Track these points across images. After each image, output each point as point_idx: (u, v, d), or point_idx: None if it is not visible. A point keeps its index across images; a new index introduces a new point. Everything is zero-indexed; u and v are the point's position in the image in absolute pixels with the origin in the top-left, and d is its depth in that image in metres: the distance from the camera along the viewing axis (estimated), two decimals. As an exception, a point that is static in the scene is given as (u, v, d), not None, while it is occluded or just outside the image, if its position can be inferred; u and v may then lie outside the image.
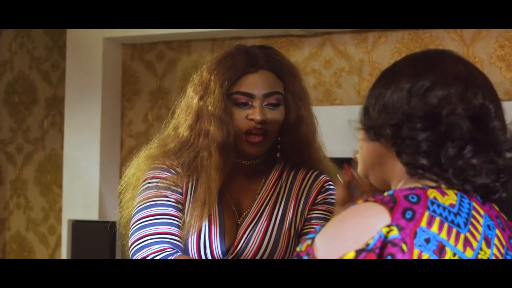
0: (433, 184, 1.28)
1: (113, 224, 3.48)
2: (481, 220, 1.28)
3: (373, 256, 1.18)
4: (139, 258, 1.79)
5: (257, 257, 1.86)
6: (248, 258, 1.85)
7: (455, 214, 1.25)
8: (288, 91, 1.90)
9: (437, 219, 1.22)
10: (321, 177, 1.95)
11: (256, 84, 1.85)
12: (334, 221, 1.26)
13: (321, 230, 1.26)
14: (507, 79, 3.33)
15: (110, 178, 4.06)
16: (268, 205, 1.91)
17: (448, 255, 1.21)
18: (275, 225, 1.89)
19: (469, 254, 1.23)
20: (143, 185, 1.89)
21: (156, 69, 4.11)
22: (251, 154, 1.88)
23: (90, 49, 4.05)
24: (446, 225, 1.23)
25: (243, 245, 1.86)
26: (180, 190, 1.89)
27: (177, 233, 1.83)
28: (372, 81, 1.40)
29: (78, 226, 3.71)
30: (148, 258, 1.77)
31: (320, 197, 1.93)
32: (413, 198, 1.24)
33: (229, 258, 1.86)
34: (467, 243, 1.23)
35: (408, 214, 1.21)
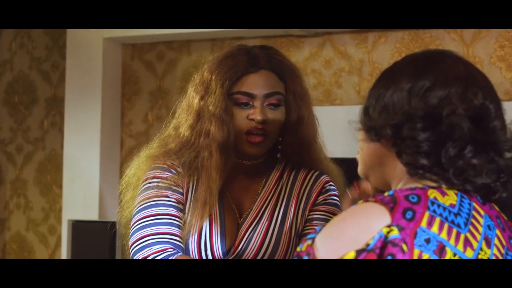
0: (433, 184, 1.28)
1: (113, 224, 3.49)
2: (481, 220, 1.28)
3: (373, 256, 1.18)
4: (139, 258, 1.79)
5: (258, 258, 1.85)
6: (249, 258, 1.85)
7: (455, 214, 1.25)
8: (289, 91, 1.89)
9: (438, 219, 1.23)
10: (322, 177, 1.95)
11: (257, 84, 1.85)
12: (335, 221, 1.26)
13: (322, 230, 1.26)
14: (507, 79, 3.33)
15: (110, 178, 4.06)
16: (269, 206, 1.91)
17: (449, 255, 1.21)
18: (276, 226, 1.89)
19: (469, 254, 1.23)
20: (144, 185, 1.88)
21: (156, 69, 4.11)
22: (251, 154, 1.88)
23: (90, 49, 4.05)
24: (446, 225, 1.23)
25: (244, 246, 1.86)
26: (181, 190, 1.89)
27: (177, 233, 1.83)
28: (372, 81, 1.40)
29: (78, 226, 3.71)
30: (149, 258, 1.77)
31: (321, 198, 1.93)
32: (413, 198, 1.24)
33: (230, 259, 1.85)
34: (467, 243, 1.23)
35: (409, 214, 1.22)
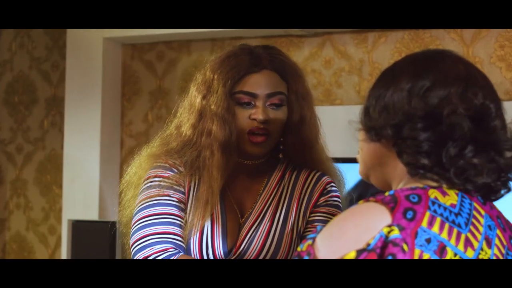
0: (434, 184, 1.28)
1: (113, 224, 3.49)
2: (482, 220, 1.28)
3: (374, 256, 1.18)
4: (140, 258, 1.78)
5: (260, 258, 1.85)
6: (251, 259, 1.85)
7: (456, 214, 1.25)
8: (291, 91, 1.89)
9: (438, 219, 1.23)
10: (324, 178, 1.94)
11: (259, 84, 1.85)
12: (335, 221, 1.26)
13: (322, 230, 1.26)
14: (507, 79, 3.33)
15: (110, 178, 4.06)
16: (271, 206, 1.91)
17: (449, 255, 1.21)
18: (277, 227, 1.88)
19: (470, 254, 1.23)
20: (145, 184, 1.88)
21: (156, 69, 4.11)
22: (253, 154, 1.87)
23: (90, 49, 4.05)
24: (447, 225, 1.23)
25: (246, 246, 1.85)
26: (183, 189, 1.88)
27: (179, 233, 1.83)
28: (372, 81, 1.40)
29: (78, 226, 3.71)
30: (150, 258, 1.77)
31: (322, 199, 1.92)
32: (414, 198, 1.24)
33: (231, 259, 1.85)
34: (468, 243, 1.23)
35: (409, 214, 1.22)
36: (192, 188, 1.89)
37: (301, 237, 1.89)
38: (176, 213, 1.85)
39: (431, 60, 1.35)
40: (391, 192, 1.26)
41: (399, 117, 1.29)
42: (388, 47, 3.56)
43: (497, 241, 1.28)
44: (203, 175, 1.86)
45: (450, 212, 1.25)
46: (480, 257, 1.24)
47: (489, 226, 1.29)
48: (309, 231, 1.88)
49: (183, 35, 3.90)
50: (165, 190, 1.86)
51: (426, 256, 1.19)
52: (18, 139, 4.45)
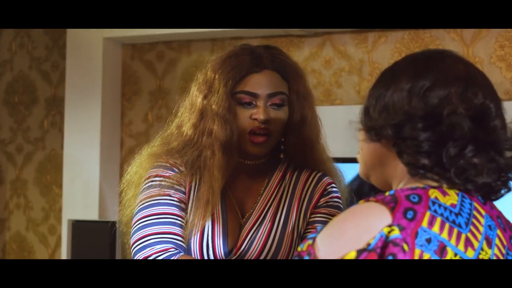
0: (434, 184, 1.28)
1: (113, 224, 3.49)
2: (482, 220, 1.28)
3: (374, 256, 1.18)
4: (141, 258, 1.78)
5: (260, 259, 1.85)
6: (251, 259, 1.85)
7: (456, 214, 1.25)
8: (293, 92, 1.89)
9: (438, 219, 1.23)
10: (324, 179, 1.94)
11: (260, 84, 1.85)
12: (335, 221, 1.26)
13: (322, 229, 1.26)
14: (507, 79, 3.33)
15: (110, 178, 4.06)
16: (272, 207, 1.90)
17: (449, 255, 1.21)
18: (278, 227, 1.88)
19: (470, 254, 1.23)
20: (146, 183, 1.88)
21: (156, 69, 4.11)
22: (254, 154, 1.87)
23: (90, 49, 4.05)
24: (447, 225, 1.23)
25: (246, 247, 1.85)
26: (183, 189, 1.88)
27: (180, 233, 1.82)
28: (372, 81, 1.40)
29: (78, 226, 3.71)
30: (150, 258, 1.77)
31: (322, 200, 1.92)
32: (414, 198, 1.24)
33: (232, 259, 1.85)
34: (468, 243, 1.23)
35: (409, 214, 1.22)
36: (193, 188, 1.89)
37: (302, 238, 1.89)
38: (177, 213, 1.84)
39: (431, 60, 1.35)
40: (392, 192, 1.26)
41: (399, 117, 1.29)
42: (388, 47, 3.56)
43: (497, 241, 1.28)
44: (204, 175, 1.86)
45: (451, 212, 1.25)
46: (481, 257, 1.24)
47: (490, 226, 1.29)
48: (310, 232, 1.87)
49: (183, 35, 3.90)
50: (165, 190, 1.85)
51: (426, 256, 1.19)
52: (18, 139, 4.45)
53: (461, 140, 1.26)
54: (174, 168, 1.88)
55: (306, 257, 1.24)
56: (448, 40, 3.43)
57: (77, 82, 4.08)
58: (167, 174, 1.87)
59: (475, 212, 1.28)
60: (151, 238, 1.79)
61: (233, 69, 1.86)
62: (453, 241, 1.22)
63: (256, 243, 1.85)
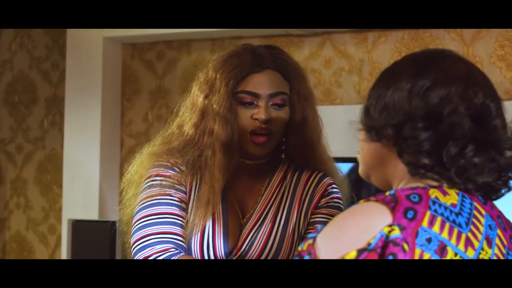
0: (435, 183, 1.29)
1: (113, 223, 3.49)
2: (482, 220, 1.28)
3: (374, 256, 1.18)
4: (141, 258, 1.77)
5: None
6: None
7: (457, 214, 1.25)
8: (294, 92, 1.89)
9: (439, 219, 1.23)
10: (325, 179, 1.94)
11: (261, 84, 1.85)
12: (336, 220, 1.26)
13: (323, 229, 1.26)
14: (507, 79, 3.33)
15: (110, 177, 4.06)
16: (273, 207, 1.90)
17: (450, 255, 1.21)
18: (279, 228, 1.88)
19: (470, 254, 1.23)
20: (147, 183, 1.87)
21: (156, 68, 4.11)
22: (255, 154, 1.87)
23: (90, 49, 4.05)
24: (447, 225, 1.23)
25: (247, 247, 1.85)
26: (184, 189, 1.88)
27: (180, 233, 1.82)
28: (372, 81, 1.40)
29: (78, 226, 3.71)
30: (150, 258, 1.76)
31: (323, 201, 1.91)
32: (414, 197, 1.24)
33: (232, 259, 1.85)
34: (468, 243, 1.23)
35: (410, 214, 1.22)
36: (193, 188, 1.88)
37: (302, 239, 1.89)
38: (177, 212, 1.84)
39: (431, 59, 1.35)
40: (392, 191, 1.26)
41: (400, 117, 1.29)
42: (388, 47, 3.56)
43: (497, 241, 1.28)
44: (204, 175, 1.86)
45: (451, 211, 1.25)
46: (481, 256, 1.24)
47: (490, 226, 1.29)
48: (310, 232, 1.87)
49: (183, 35, 3.90)
50: (166, 190, 1.85)
51: (426, 256, 1.19)
52: (18, 138, 4.45)
53: (462, 139, 1.27)
54: (175, 168, 1.88)
55: (307, 257, 1.24)
56: (448, 39, 3.43)
57: (77, 81, 4.08)
58: (168, 174, 1.87)
59: (475, 212, 1.28)
60: (151, 238, 1.79)
61: (234, 68, 1.85)
62: (453, 240, 1.22)
63: (257, 244, 1.85)
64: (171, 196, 1.85)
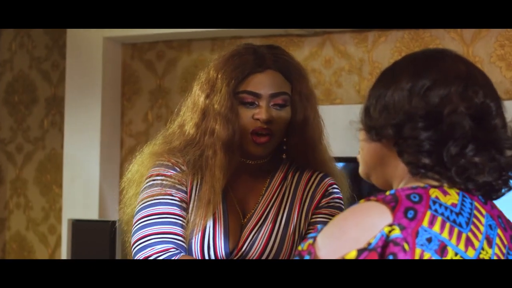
0: (435, 183, 1.29)
1: (113, 223, 3.49)
2: (483, 220, 1.28)
3: (375, 255, 1.18)
4: (141, 257, 1.77)
5: (261, 260, 1.85)
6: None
7: (457, 214, 1.25)
8: (295, 92, 1.88)
9: (439, 219, 1.23)
10: (326, 180, 1.94)
11: (263, 84, 1.85)
12: (336, 220, 1.26)
13: (323, 229, 1.26)
14: (507, 79, 3.33)
15: (110, 177, 4.06)
16: (273, 207, 1.90)
17: (450, 255, 1.21)
18: (280, 228, 1.88)
19: (470, 254, 1.23)
20: (148, 182, 1.87)
21: (156, 68, 4.11)
22: (256, 154, 1.87)
23: (90, 49, 4.05)
24: (448, 225, 1.23)
25: (248, 247, 1.84)
26: (185, 189, 1.87)
27: (181, 233, 1.82)
28: (372, 81, 1.40)
29: (78, 226, 3.71)
30: (151, 258, 1.76)
31: (324, 201, 1.91)
32: (415, 197, 1.24)
33: (232, 259, 1.84)
34: (469, 242, 1.23)
35: (410, 214, 1.22)
36: (194, 188, 1.88)
37: (303, 239, 1.88)
38: (178, 212, 1.84)
39: (431, 59, 1.35)
40: (392, 191, 1.26)
41: (400, 117, 1.29)
42: (388, 47, 3.56)
43: (498, 241, 1.28)
44: (205, 175, 1.85)
45: (451, 211, 1.25)
46: (481, 256, 1.24)
47: (490, 226, 1.29)
48: (311, 232, 1.87)
49: (183, 35, 3.90)
50: (167, 189, 1.85)
51: (427, 256, 1.19)
52: (18, 138, 4.45)
53: (462, 139, 1.27)
54: (176, 167, 1.87)
55: (307, 257, 1.24)
56: (448, 39, 3.43)
57: (77, 81, 4.08)
58: (169, 173, 1.86)
59: (475, 212, 1.28)
60: (151, 238, 1.79)
61: (236, 68, 1.85)
62: (453, 240, 1.22)
63: (257, 244, 1.85)
64: (172, 196, 1.85)
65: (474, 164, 1.27)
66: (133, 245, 1.81)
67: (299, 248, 1.27)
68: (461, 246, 1.22)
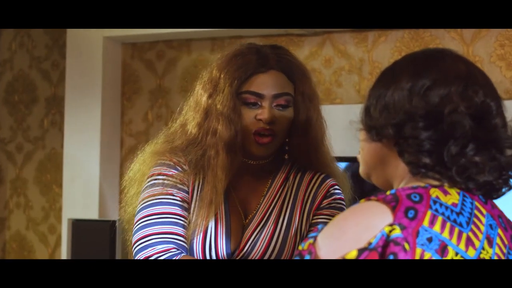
0: (436, 183, 1.29)
1: (113, 223, 3.50)
2: (483, 220, 1.28)
3: (375, 255, 1.18)
4: (142, 257, 1.76)
5: (262, 261, 1.84)
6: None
7: (458, 214, 1.25)
8: (298, 93, 1.87)
9: (440, 218, 1.23)
10: (327, 181, 1.93)
11: (266, 84, 1.84)
12: (336, 220, 1.26)
13: (323, 228, 1.26)
14: (507, 78, 3.33)
15: (110, 177, 4.06)
16: (275, 208, 1.89)
17: (451, 255, 1.21)
18: (281, 229, 1.87)
19: (471, 254, 1.23)
20: (149, 181, 1.86)
21: (156, 68, 4.11)
22: (258, 155, 1.86)
23: (90, 49, 4.05)
24: (448, 224, 1.23)
25: (249, 248, 1.84)
26: (187, 189, 1.86)
27: (182, 233, 1.81)
28: (372, 80, 1.40)
29: (78, 225, 3.71)
30: (152, 258, 1.75)
31: (325, 202, 1.90)
32: (415, 197, 1.24)
33: (233, 259, 1.84)
34: (469, 242, 1.23)
35: (411, 213, 1.22)
36: (196, 188, 1.87)
37: (304, 239, 1.88)
38: (179, 212, 1.83)
39: (431, 59, 1.35)
40: (393, 191, 1.26)
41: (400, 117, 1.29)
42: (388, 46, 3.56)
43: (498, 240, 1.28)
44: (207, 175, 1.84)
45: (452, 211, 1.25)
46: (482, 256, 1.24)
47: (491, 225, 1.29)
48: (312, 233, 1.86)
49: (183, 34, 3.90)
50: (168, 189, 1.84)
51: (427, 255, 1.19)
52: (18, 138, 4.46)
53: (462, 138, 1.27)
54: (178, 167, 1.87)
55: (307, 256, 1.24)
56: (448, 39, 3.43)
57: (77, 81, 4.08)
58: (170, 173, 1.86)
59: (476, 211, 1.28)
60: (152, 238, 1.78)
61: (238, 68, 1.84)
62: (454, 240, 1.22)
63: (259, 245, 1.84)
64: (173, 195, 1.84)
65: (474, 164, 1.27)
66: (133, 244, 1.80)
67: (300, 247, 1.27)
68: (462, 246, 1.22)
